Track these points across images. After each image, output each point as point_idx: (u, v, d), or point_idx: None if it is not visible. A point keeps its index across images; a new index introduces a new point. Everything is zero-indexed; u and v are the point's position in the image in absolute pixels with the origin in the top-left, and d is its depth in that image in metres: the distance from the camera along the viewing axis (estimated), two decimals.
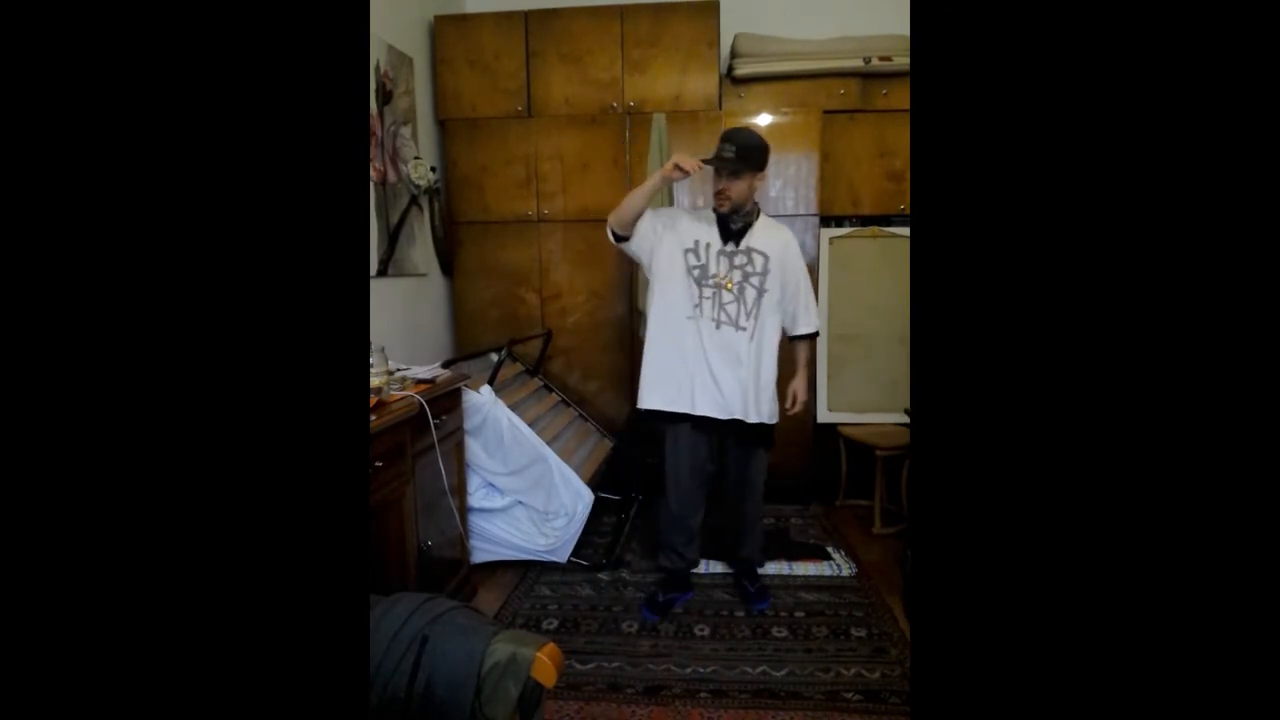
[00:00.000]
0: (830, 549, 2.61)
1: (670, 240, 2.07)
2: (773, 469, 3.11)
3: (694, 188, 2.99)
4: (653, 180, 1.96)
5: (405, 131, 2.75)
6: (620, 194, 2.97)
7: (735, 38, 3.08)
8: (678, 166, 1.87)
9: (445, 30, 3.01)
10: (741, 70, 3.02)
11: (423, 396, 1.94)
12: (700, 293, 2.05)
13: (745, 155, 1.97)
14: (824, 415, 3.15)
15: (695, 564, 2.33)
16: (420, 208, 2.86)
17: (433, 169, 2.89)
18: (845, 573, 2.44)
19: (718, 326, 2.04)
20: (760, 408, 2.09)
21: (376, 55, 2.52)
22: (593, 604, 2.25)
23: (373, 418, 1.71)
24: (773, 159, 2.96)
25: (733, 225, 2.06)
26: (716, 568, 2.47)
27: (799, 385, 2.20)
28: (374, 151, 2.50)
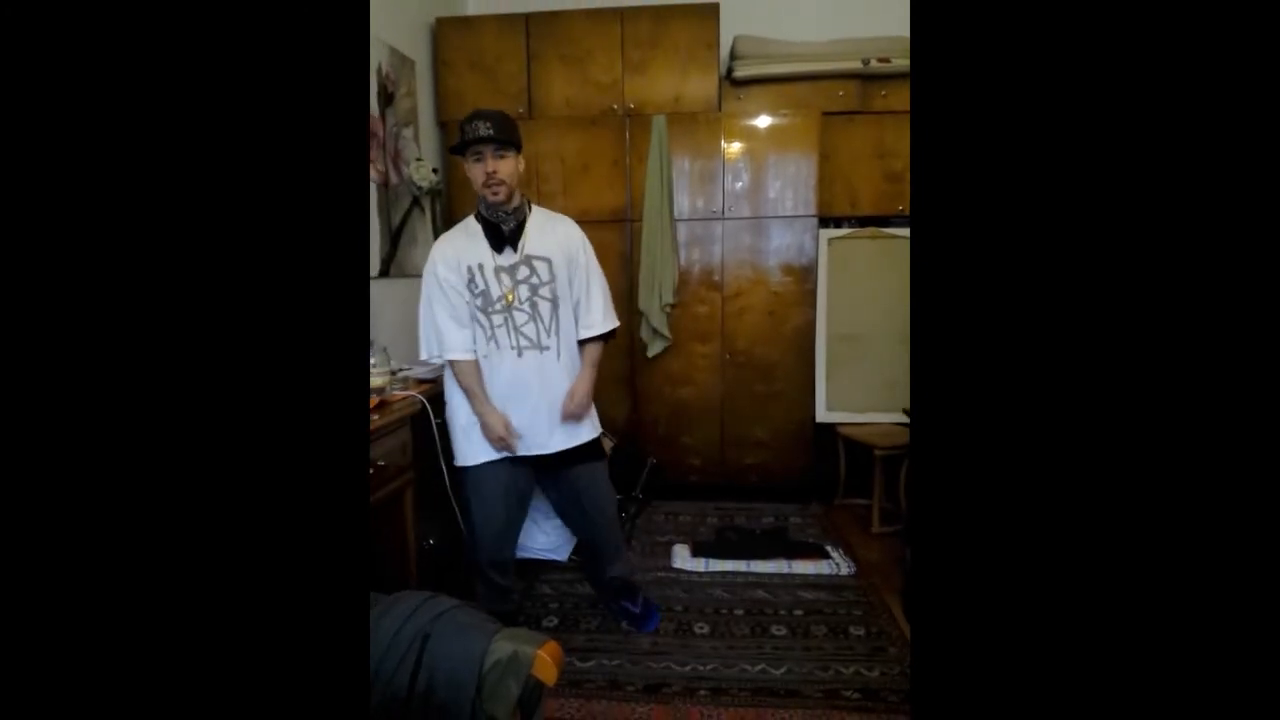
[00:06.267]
0: (829, 548, 2.61)
1: (457, 299, 1.80)
2: (772, 468, 3.15)
3: (692, 187, 2.99)
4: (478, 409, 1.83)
5: (407, 133, 2.76)
6: (620, 195, 3.00)
7: (735, 39, 3.09)
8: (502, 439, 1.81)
9: (446, 32, 3.02)
10: (741, 72, 3.03)
11: (424, 396, 1.95)
12: (491, 322, 1.79)
13: (504, 128, 1.67)
14: (823, 415, 3.15)
15: (593, 581, 2.22)
16: (422, 209, 2.86)
17: (435, 170, 2.89)
18: (844, 571, 2.44)
19: (520, 354, 1.81)
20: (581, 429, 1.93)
21: (378, 57, 2.52)
22: (593, 602, 2.25)
23: (375, 417, 1.72)
24: (771, 160, 3.03)
25: (505, 228, 1.75)
26: (715, 565, 2.48)
27: (580, 385, 1.88)
28: (375, 153, 2.50)
